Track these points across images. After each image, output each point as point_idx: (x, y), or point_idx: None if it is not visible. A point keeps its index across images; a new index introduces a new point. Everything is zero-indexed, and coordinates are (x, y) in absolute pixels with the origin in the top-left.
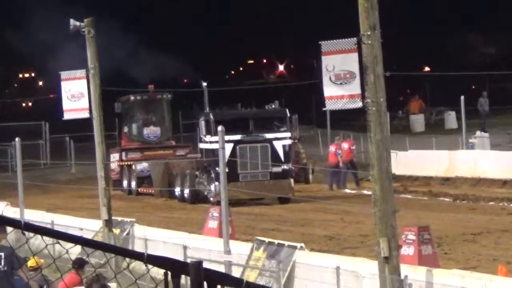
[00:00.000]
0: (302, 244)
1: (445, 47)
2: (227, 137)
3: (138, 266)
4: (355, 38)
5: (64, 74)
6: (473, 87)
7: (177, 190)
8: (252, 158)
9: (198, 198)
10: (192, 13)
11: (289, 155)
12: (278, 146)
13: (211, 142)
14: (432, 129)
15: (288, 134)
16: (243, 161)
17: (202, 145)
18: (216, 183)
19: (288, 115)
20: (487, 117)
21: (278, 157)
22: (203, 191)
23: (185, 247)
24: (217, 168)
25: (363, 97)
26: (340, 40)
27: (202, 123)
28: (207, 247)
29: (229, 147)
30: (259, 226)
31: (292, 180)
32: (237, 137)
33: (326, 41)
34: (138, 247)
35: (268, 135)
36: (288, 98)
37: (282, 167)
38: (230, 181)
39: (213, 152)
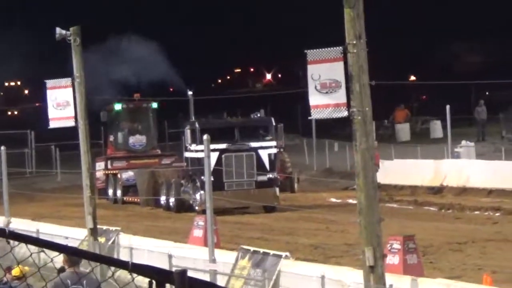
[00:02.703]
0: (287, 253)
1: (431, 56)
2: (212, 146)
3: (123, 274)
4: (341, 47)
5: (49, 83)
6: (460, 96)
7: (163, 199)
8: (238, 167)
9: (183, 207)
10: (179, 21)
11: (275, 163)
12: (264, 155)
13: (196, 151)
14: (417, 138)
15: (273, 143)
16: (229, 169)
17: (187, 154)
18: (202, 191)
19: (274, 124)
20: (484, 125)
21: (264, 166)
22: (189, 200)
23: (170, 256)
24: (202, 177)
25: (348, 106)
26: (326, 49)
27: (188, 132)
28: (192, 256)
29: (214, 156)
30: (244, 235)
31: (277, 189)
32: (223, 146)
33: (311, 50)
34: (123, 255)
35: (254, 144)
36: (273, 107)
37: (268, 175)
38: (215, 189)
39: (199, 160)
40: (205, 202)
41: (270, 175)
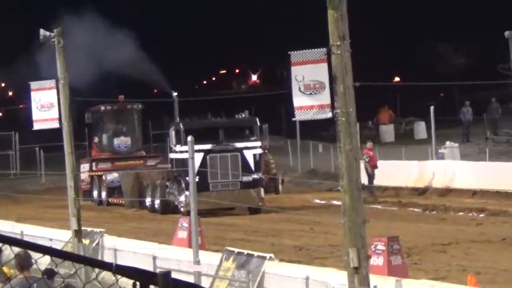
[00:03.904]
0: (272, 255)
1: (415, 57)
2: (197, 147)
3: (107, 276)
4: (324, 49)
5: (34, 84)
6: (442, 95)
7: (148, 201)
8: (223, 167)
9: (168, 208)
10: (164, 21)
11: (260, 164)
12: (249, 155)
13: (181, 152)
14: (401, 139)
15: (258, 143)
16: (213, 171)
17: (172, 155)
18: (187, 193)
19: (258, 124)
20: (469, 126)
21: (249, 166)
22: (174, 201)
23: (154, 258)
24: (187, 178)
25: (332, 107)
26: (310, 50)
27: (172, 133)
28: (176, 258)
29: (199, 157)
30: (228, 236)
31: (262, 190)
32: (207, 146)
33: (295, 51)
34: (108, 257)
35: (238, 144)
36: (258, 108)
37: (253, 176)
38: (200, 190)
39: (183, 162)
40: (190, 203)
41: (255, 176)
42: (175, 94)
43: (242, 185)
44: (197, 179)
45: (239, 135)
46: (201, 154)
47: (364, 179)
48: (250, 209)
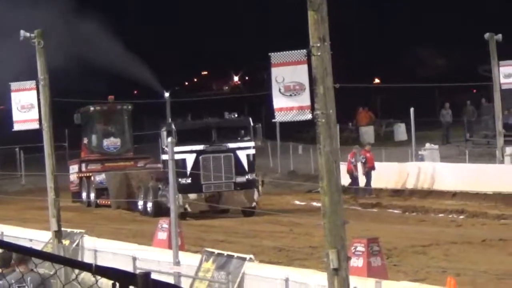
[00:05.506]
0: (252, 256)
1: (396, 59)
2: (189, 148)
3: (87, 277)
4: (304, 50)
5: (14, 85)
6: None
7: (140, 204)
8: (216, 168)
9: (161, 211)
10: (144, 22)
11: (253, 164)
12: (242, 155)
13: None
14: (381, 141)
15: (251, 143)
16: (207, 171)
17: (164, 156)
18: (180, 194)
19: (252, 124)
20: (449, 128)
21: (242, 167)
22: (166, 204)
23: (134, 258)
24: (180, 179)
25: (312, 109)
26: (290, 51)
27: (164, 134)
28: (156, 259)
29: (192, 158)
30: (209, 237)
31: (256, 191)
32: (200, 147)
33: (275, 53)
34: (88, 258)
35: (232, 145)
36: (238, 110)
37: (246, 177)
38: (193, 192)
39: (176, 162)
40: (182, 205)
41: (249, 177)
42: (167, 94)
43: (235, 186)
44: (189, 180)
45: (232, 135)
46: (194, 155)
47: (362, 181)
48: (244, 211)
